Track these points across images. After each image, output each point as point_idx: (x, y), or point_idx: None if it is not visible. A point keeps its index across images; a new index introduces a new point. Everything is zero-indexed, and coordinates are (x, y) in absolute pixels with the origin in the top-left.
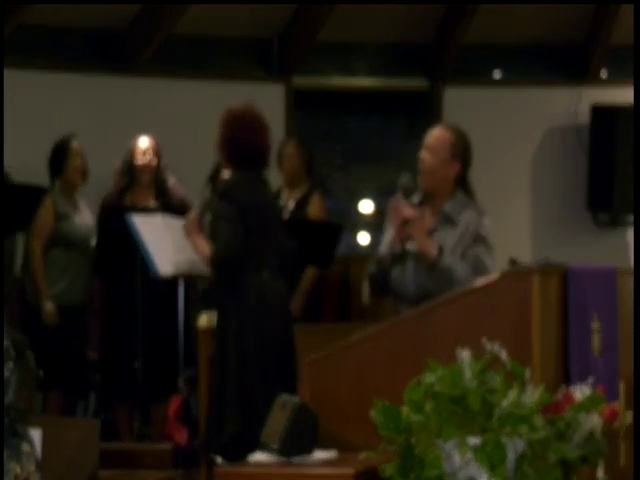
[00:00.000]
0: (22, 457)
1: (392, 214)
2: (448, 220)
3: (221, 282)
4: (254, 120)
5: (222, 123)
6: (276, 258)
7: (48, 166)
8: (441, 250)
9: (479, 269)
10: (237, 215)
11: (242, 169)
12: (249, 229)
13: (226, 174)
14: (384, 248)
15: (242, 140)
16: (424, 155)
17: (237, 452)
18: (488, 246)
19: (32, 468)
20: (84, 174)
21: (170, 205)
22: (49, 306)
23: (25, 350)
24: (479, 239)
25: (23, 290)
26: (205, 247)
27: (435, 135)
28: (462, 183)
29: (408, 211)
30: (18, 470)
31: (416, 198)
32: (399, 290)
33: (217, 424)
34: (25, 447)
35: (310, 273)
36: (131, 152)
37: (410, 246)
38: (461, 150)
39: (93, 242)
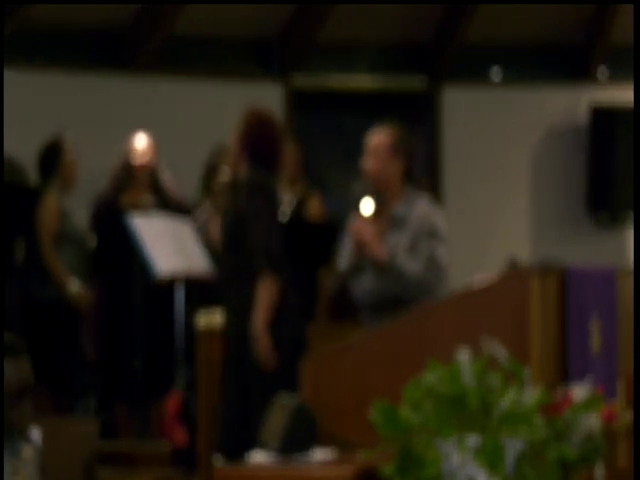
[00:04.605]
0: (20, 462)
1: (352, 233)
2: (398, 222)
3: (277, 270)
4: (278, 129)
5: (249, 121)
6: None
7: (40, 166)
8: (392, 253)
9: (433, 264)
10: (272, 211)
11: (259, 169)
12: (278, 225)
13: (225, 175)
14: (344, 262)
15: (267, 142)
16: (366, 161)
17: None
18: (440, 239)
19: (27, 473)
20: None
21: (167, 204)
22: (75, 287)
23: (20, 355)
24: (432, 235)
25: (21, 291)
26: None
27: (373, 139)
28: (410, 177)
29: (368, 230)
30: (11, 471)
31: (371, 205)
32: (360, 299)
33: (236, 425)
34: (26, 452)
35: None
36: (129, 152)
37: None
38: (400, 147)
39: (89, 240)
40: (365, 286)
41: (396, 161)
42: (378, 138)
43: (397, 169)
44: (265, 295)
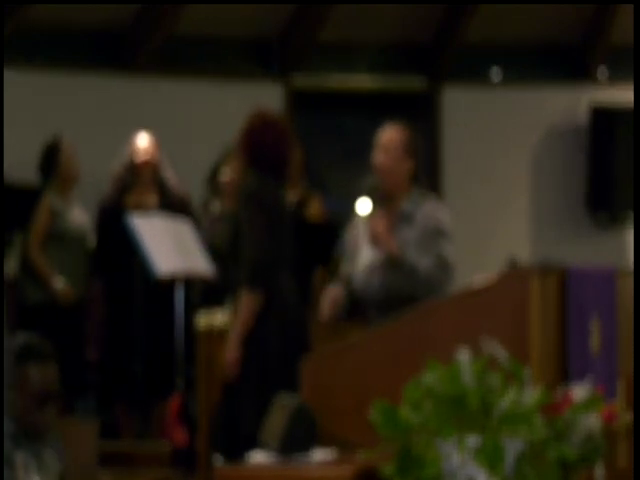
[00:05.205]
0: (43, 466)
1: (374, 231)
2: (406, 218)
3: (256, 285)
4: (285, 132)
5: (252, 123)
6: (289, 260)
7: (40, 166)
8: (402, 249)
9: (442, 262)
10: (265, 218)
11: (262, 174)
12: (273, 231)
13: (227, 175)
14: (350, 264)
15: (270, 146)
16: (378, 156)
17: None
18: (447, 237)
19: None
20: (76, 171)
21: (171, 203)
22: (60, 283)
23: (47, 359)
24: (439, 233)
25: (20, 292)
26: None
27: (386, 135)
28: (416, 178)
29: (381, 224)
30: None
31: (378, 201)
32: (368, 298)
33: (230, 424)
34: (47, 457)
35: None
36: (130, 151)
37: (373, 253)
38: (412, 146)
39: (89, 240)
40: (374, 283)
41: (407, 160)
42: (391, 134)
43: (407, 167)
44: (241, 310)
